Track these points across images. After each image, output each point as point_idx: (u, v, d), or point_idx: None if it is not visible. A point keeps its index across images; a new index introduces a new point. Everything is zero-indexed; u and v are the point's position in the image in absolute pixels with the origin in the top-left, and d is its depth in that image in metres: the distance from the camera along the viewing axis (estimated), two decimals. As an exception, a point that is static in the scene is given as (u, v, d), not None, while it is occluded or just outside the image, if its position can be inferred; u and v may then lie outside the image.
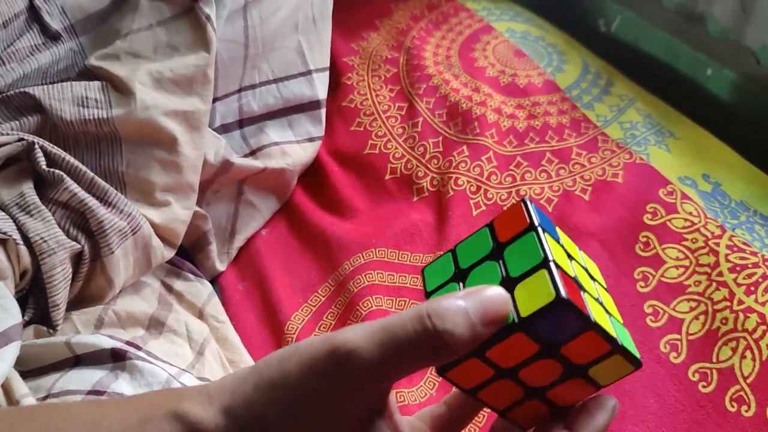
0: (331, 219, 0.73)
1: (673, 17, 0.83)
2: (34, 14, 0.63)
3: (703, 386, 0.53)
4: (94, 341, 0.52)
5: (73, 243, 0.55)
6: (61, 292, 0.54)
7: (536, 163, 0.71)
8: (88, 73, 0.62)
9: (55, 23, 0.63)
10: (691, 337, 0.56)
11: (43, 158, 0.56)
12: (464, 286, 0.31)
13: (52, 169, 0.56)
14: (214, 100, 0.69)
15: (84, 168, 0.57)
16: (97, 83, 0.61)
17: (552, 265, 0.28)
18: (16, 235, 0.52)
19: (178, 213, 0.63)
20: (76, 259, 0.56)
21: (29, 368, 0.52)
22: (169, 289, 0.65)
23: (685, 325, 0.56)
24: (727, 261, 0.58)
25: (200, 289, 0.66)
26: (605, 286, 0.34)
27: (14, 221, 0.53)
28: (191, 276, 0.67)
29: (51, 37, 0.63)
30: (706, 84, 0.81)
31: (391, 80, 0.82)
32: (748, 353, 0.52)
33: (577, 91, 0.78)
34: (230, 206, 0.73)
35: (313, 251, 0.71)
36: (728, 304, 0.55)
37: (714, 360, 0.54)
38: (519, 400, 0.31)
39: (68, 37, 0.64)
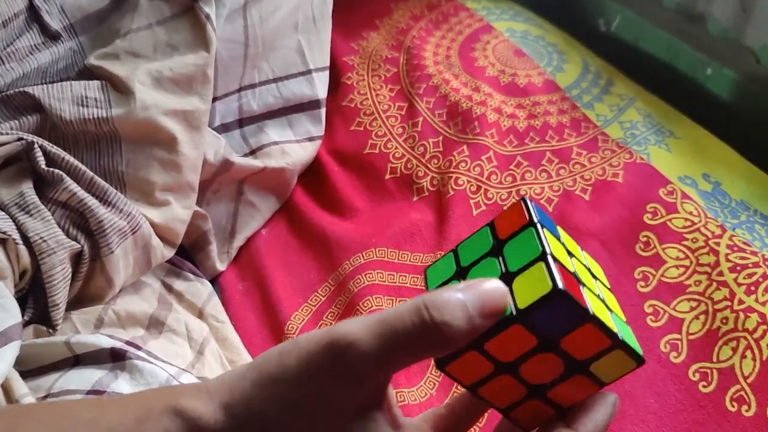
0: (331, 219, 0.73)
1: (673, 17, 0.83)
2: (33, 14, 0.63)
3: (704, 386, 0.53)
4: (93, 341, 0.52)
5: (73, 243, 0.55)
6: (60, 291, 0.54)
7: (536, 162, 0.71)
8: (88, 73, 0.62)
9: (55, 23, 0.63)
10: (691, 337, 0.56)
11: (42, 158, 0.56)
12: None
13: (51, 169, 0.56)
14: (214, 99, 0.69)
15: (83, 167, 0.57)
16: (96, 83, 0.61)
17: (549, 258, 0.28)
18: (16, 235, 0.52)
19: (178, 212, 0.62)
20: (76, 258, 0.56)
21: (29, 368, 0.52)
22: (169, 288, 0.65)
23: (685, 325, 0.56)
24: (728, 261, 0.58)
25: (200, 289, 0.66)
26: (608, 286, 0.34)
27: (14, 221, 0.53)
28: (191, 276, 0.67)
29: (51, 36, 0.63)
30: (706, 83, 0.81)
31: (391, 80, 0.82)
32: (748, 353, 0.52)
33: (577, 91, 0.78)
34: (230, 206, 0.73)
35: (313, 251, 0.71)
36: (728, 303, 0.55)
37: (714, 360, 0.54)
38: (521, 399, 0.31)
39: (68, 37, 0.64)
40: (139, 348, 0.54)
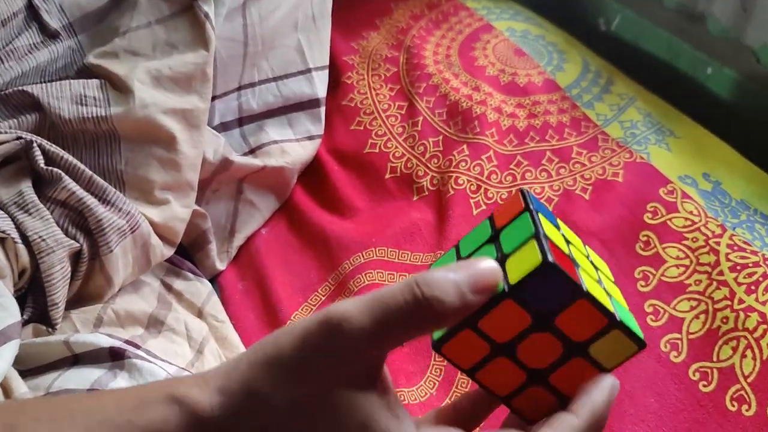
0: (331, 218, 0.73)
1: (674, 16, 0.83)
2: (32, 13, 0.63)
3: (704, 385, 0.53)
4: (92, 340, 0.52)
5: (72, 242, 0.55)
6: (59, 290, 0.54)
7: (536, 162, 0.71)
8: (87, 72, 0.62)
9: (54, 22, 0.63)
10: (691, 337, 0.55)
11: (41, 157, 0.56)
12: None
13: (50, 168, 0.56)
14: (214, 98, 0.69)
15: (82, 166, 0.57)
16: (95, 81, 0.61)
17: (541, 236, 0.29)
18: (15, 234, 0.52)
19: (177, 211, 0.62)
20: (75, 257, 0.56)
21: (28, 367, 0.52)
22: (168, 288, 0.65)
23: (685, 325, 0.56)
24: (728, 260, 0.58)
25: (200, 288, 0.66)
26: (612, 279, 0.34)
27: (13, 220, 0.53)
28: (191, 275, 0.67)
29: (49, 35, 0.63)
30: (706, 83, 0.81)
31: (391, 79, 0.82)
32: (748, 352, 0.52)
33: (577, 90, 0.78)
34: (230, 205, 0.72)
35: (313, 250, 0.71)
36: (729, 303, 0.55)
37: (714, 359, 0.54)
38: (522, 386, 0.31)
39: (67, 36, 0.64)
40: (138, 347, 0.54)
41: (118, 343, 0.52)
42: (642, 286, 0.60)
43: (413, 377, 0.58)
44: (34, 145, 0.56)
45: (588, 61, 0.83)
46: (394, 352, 0.60)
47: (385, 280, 0.64)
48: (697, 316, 0.56)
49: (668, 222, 0.62)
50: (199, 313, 0.64)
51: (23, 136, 0.56)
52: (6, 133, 0.56)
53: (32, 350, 0.52)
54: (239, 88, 0.73)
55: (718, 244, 0.59)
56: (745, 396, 0.51)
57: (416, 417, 0.33)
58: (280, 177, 0.74)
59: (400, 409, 0.29)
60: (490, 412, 0.34)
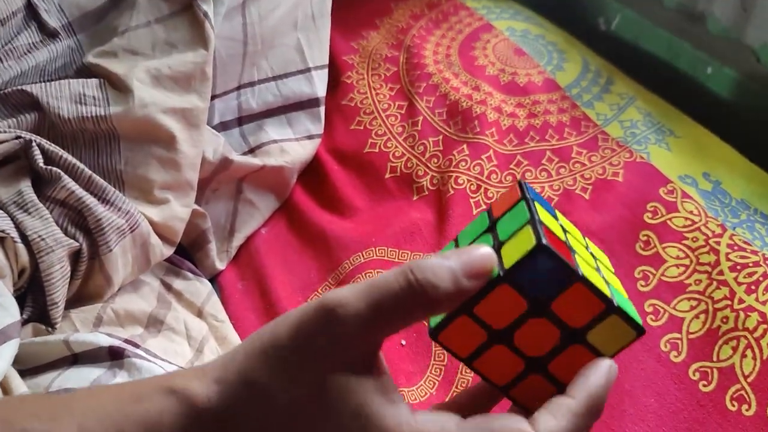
0: (331, 218, 0.73)
1: (674, 15, 0.83)
2: (31, 12, 0.63)
3: (704, 385, 0.53)
4: (92, 339, 0.52)
5: (71, 241, 0.55)
6: (59, 290, 0.54)
7: (536, 161, 0.71)
8: (86, 71, 0.62)
9: (53, 21, 0.63)
10: (691, 336, 0.55)
11: (40, 156, 0.56)
12: None
13: (49, 167, 0.56)
14: (213, 97, 0.69)
15: (82, 166, 0.57)
16: (95, 81, 0.61)
17: (536, 221, 0.29)
18: (14, 234, 0.52)
19: (177, 211, 0.62)
20: (75, 257, 0.56)
21: (27, 366, 0.52)
22: (168, 287, 0.65)
23: (685, 324, 0.56)
24: (728, 260, 0.58)
25: (199, 288, 0.66)
26: (612, 270, 0.34)
27: (12, 219, 0.53)
28: (190, 275, 0.67)
29: (49, 34, 0.63)
30: (706, 82, 0.81)
31: (391, 79, 0.82)
32: (748, 352, 0.52)
33: (577, 90, 0.78)
34: (229, 204, 0.72)
35: (312, 250, 0.71)
36: (729, 303, 0.55)
37: (714, 359, 0.53)
38: (520, 374, 0.30)
39: (66, 35, 0.64)
40: (137, 346, 0.54)
41: (117, 343, 0.52)
42: (642, 285, 0.59)
43: (413, 377, 0.58)
44: (34, 144, 0.56)
45: (588, 60, 0.83)
46: (394, 352, 0.60)
47: (384, 280, 0.64)
48: (697, 316, 0.56)
49: (668, 222, 0.62)
50: (199, 313, 0.64)
51: (22, 135, 0.56)
52: (5, 132, 0.56)
53: (32, 349, 0.52)
54: (239, 88, 0.73)
55: (718, 243, 0.59)
56: (745, 396, 0.51)
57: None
58: (279, 176, 0.74)
59: (396, 394, 0.29)
60: (490, 407, 0.34)
